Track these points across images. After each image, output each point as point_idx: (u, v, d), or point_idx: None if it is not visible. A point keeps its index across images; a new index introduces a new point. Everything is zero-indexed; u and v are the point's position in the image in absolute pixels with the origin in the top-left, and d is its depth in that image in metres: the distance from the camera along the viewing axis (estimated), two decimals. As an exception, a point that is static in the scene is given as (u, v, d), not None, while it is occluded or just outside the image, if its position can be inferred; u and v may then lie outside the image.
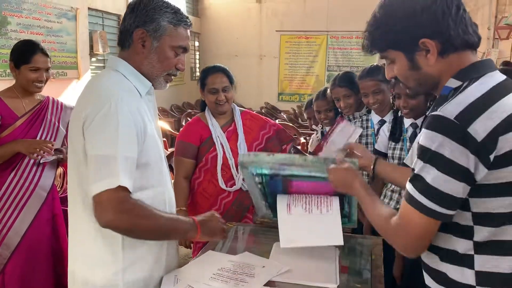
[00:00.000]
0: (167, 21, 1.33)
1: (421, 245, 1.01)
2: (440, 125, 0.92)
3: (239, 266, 1.49)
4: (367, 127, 2.35)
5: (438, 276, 1.04)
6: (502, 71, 1.06)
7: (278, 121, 7.17)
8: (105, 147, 1.19)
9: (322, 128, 2.74)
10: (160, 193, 1.38)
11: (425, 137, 0.95)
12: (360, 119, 2.41)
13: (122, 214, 1.18)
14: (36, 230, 2.23)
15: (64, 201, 2.28)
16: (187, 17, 1.40)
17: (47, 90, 2.40)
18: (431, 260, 1.06)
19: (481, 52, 8.80)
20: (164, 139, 6.09)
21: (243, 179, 2.16)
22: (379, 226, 1.11)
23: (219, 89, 2.19)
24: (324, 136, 1.62)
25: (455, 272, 1.00)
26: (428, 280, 1.09)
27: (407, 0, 1.02)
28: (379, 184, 2.29)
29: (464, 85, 0.99)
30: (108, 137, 1.19)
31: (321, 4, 9.64)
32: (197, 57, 10.83)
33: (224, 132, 2.23)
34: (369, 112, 2.39)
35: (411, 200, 0.98)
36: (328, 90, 2.58)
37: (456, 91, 0.99)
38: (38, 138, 2.26)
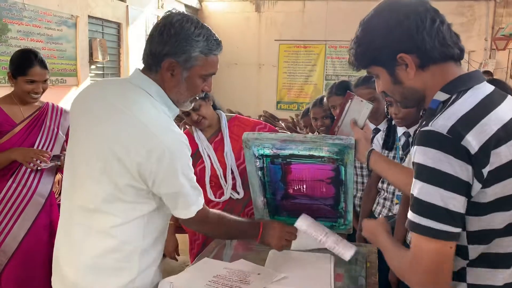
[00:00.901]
0: (199, 52, 1.29)
1: (441, 279, 0.91)
2: (433, 141, 0.90)
3: (234, 274, 1.50)
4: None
5: None
6: (491, 82, 1.06)
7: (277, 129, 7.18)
8: (176, 185, 1.31)
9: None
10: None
11: (419, 154, 0.92)
12: None
13: (206, 224, 1.46)
14: (34, 236, 2.23)
15: (61, 207, 2.29)
16: (219, 43, 1.37)
17: (46, 97, 2.41)
18: None
19: (478, 63, 8.87)
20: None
21: (232, 189, 2.15)
22: (397, 268, 1.03)
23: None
24: (335, 119, 1.58)
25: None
26: None
27: (382, 17, 1.03)
28: (375, 178, 2.31)
29: (453, 98, 0.98)
30: (177, 176, 1.30)
31: (320, 14, 9.72)
32: (196, 65, 10.88)
33: (211, 143, 2.20)
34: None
35: (416, 227, 0.92)
36: (325, 98, 2.61)
37: (445, 104, 0.98)
38: (36, 144, 2.27)
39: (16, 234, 2.21)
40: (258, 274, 1.51)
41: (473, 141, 0.88)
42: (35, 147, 2.27)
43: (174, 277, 1.46)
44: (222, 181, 2.15)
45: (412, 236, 0.95)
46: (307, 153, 1.54)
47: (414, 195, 0.93)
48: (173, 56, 1.28)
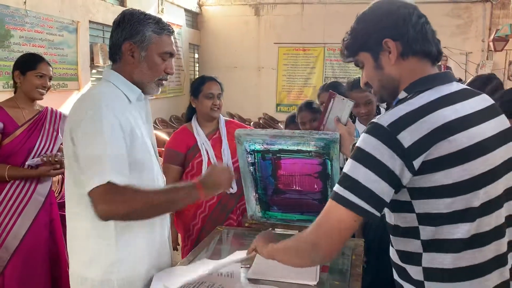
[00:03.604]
0: (151, 31, 1.44)
1: (334, 242, 1.03)
2: (374, 130, 1.02)
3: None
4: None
5: (402, 272, 1.13)
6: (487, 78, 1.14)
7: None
8: (93, 148, 1.30)
9: None
10: None
11: (361, 140, 1.04)
12: None
13: (115, 201, 1.27)
14: (34, 234, 2.32)
15: (62, 206, 2.37)
16: (169, 25, 1.52)
17: (48, 101, 2.51)
18: (396, 258, 1.14)
19: (476, 64, 8.94)
20: (162, 148, 6.21)
21: None
22: (290, 251, 1.17)
23: (215, 95, 2.35)
24: (321, 117, 1.68)
25: (410, 269, 1.09)
26: (395, 275, 1.18)
27: (375, 8, 1.16)
28: None
29: (408, 97, 1.09)
30: (95, 138, 1.30)
31: (318, 17, 9.81)
32: (197, 69, 10.97)
33: (209, 140, 2.36)
34: (354, 122, 2.50)
35: (337, 197, 1.02)
36: (317, 96, 2.71)
37: (401, 102, 1.08)
38: (36, 146, 2.37)
39: (17, 232, 2.31)
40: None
41: (408, 136, 0.98)
42: (35, 149, 2.37)
43: (165, 274, 1.50)
44: None
45: (328, 203, 1.06)
46: (295, 148, 1.65)
47: (344, 171, 1.04)
48: (130, 39, 1.43)
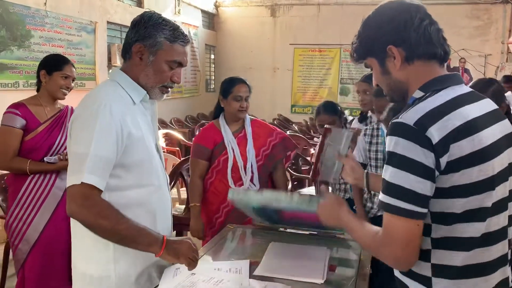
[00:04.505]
0: (164, 38, 1.44)
1: (410, 252, 1.03)
2: (401, 131, 1.01)
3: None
4: (377, 136, 2.51)
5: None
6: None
7: (290, 132, 7.28)
8: (80, 145, 1.33)
9: None
10: (149, 192, 1.48)
11: (390, 143, 1.03)
12: (371, 128, 2.58)
13: (84, 208, 1.30)
14: (53, 226, 2.40)
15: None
16: (186, 35, 1.51)
17: (66, 100, 2.61)
18: None
19: (495, 66, 8.80)
20: (177, 148, 6.26)
21: (250, 180, 2.39)
22: (368, 243, 1.13)
23: (243, 97, 2.45)
24: (316, 156, 1.63)
25: (418, 264, 1.08)
26: (396, 272, 1.18)
27: (378, 15, 1.17)
28: (357, 191, 2.53)
29: (426, 95, 1.10)
30: (84, 136, 1.33)
31: (334, 18, 9.78)
32: (212, 69, 11.05)
33: (235, 138, 2.46)
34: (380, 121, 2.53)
35: (387, 206, 1.02)
36: (314, 119, 2.84)
37: (419, 100, 1.09)
38: (56, 143, 2.47)
39: (37, 225, 2.40)
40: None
41: (435, 133, 0.99)
42: (55, 145, 2.47)
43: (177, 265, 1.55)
44: (242, 173, 2.39)
45: (384, 216, 1.06)
46: (296, 208, 1.57)
47: (386, 179, 1.03)
48: (141, 41, 1.44)
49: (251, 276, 1.52)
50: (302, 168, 4.46)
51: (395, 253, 1.04)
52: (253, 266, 1.61)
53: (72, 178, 1.32)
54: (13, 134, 2.37)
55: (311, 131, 8.44)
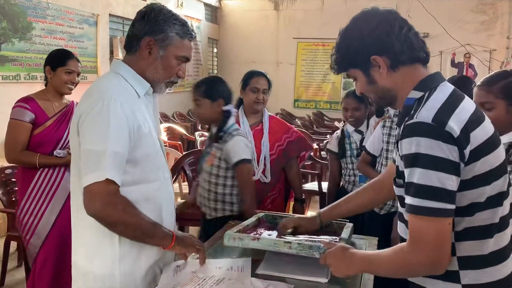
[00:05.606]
0: (175, 33, 1.42)
1: (445, 252, 1.01)
2: (421, 130, 1.00)
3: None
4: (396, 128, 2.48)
5: None
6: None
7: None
8: (96, 142, 1.29)
9: (344, 125, 2.99)
10: (156, 187, 1.46)
11: (410, 145, 1.01)
12: (390, 120, 2.58)
13: (109, 206, 1.28)
14: (64, 219, 2.40)
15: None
16: (193, 31, 1.50)
17: (73, 94, 2.61)
18: None
19: (500, 62, 8.72)
20: (179, 142, 6.24)
21: (262, 172, 2.50)
22: (394, 263, 1.09)
23: (260, 89, 2.53)
24: None
25: None
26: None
27: (357, 25, 1.16)
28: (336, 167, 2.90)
29: (427, 94, 1.10)
30: (99, 133, 1.29)
31: (338, 12, 9.66)
32: (215, 63, 11.00)
33: (252, 130, 2.55)
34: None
35: (418, 209, 1.00)
36: (343, 101, 2.91)
37: (421, 100, 1.09)
38: (64, 137, 2.50)
39: (48, 218, 2.42)
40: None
41: (454, 126, 0.99)
42: (63, 139, 2.51)
43: (179, 262, 1.52)
44: (254, 164, 2.42)
45: (410, 221, 1.03)
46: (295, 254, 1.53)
47: (414, 181, 1.01)
48: (152, 35, 1.41)
49: (253, 274, 1.49)
50: (305, 163, 4.43)
51: (431, 257, 1.01)
52: (255, 264, 1.58)
53: (91, 176, 1.27)
54: (22, 128, 2.41)
55: (314, 126, 8.41)
